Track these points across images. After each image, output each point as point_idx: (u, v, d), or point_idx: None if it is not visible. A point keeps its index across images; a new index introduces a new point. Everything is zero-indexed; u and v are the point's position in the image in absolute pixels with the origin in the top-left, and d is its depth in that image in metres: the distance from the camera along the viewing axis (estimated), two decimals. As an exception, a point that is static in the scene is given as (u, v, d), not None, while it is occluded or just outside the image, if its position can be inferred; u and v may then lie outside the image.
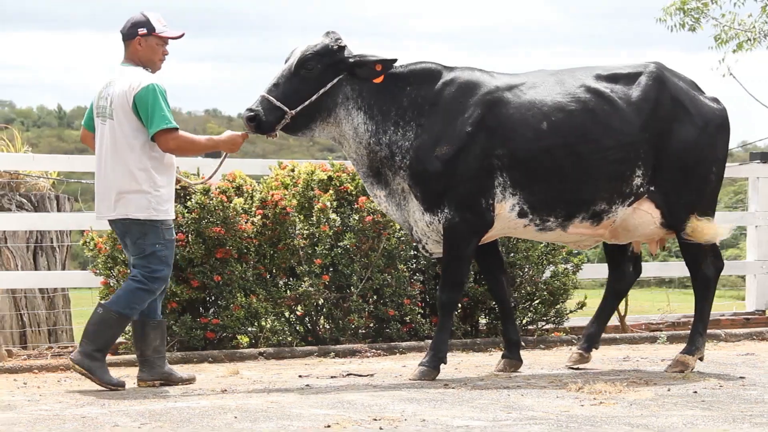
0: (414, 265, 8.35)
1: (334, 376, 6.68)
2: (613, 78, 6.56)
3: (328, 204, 7.97)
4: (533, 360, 7.36)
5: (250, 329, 7.88)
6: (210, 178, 6.85)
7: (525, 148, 6.35)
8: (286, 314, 8.03)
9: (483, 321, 8.56)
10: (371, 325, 8.18)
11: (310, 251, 7.93)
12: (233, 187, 7.95)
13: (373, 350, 7.84)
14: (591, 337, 6.95)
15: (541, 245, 8.43)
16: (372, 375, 6.69)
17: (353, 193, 8.15)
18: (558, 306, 8.56)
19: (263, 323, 7.89)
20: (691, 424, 4.89)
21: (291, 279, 8.06)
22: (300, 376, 6.68)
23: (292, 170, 8.29)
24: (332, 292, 8.07)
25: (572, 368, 6.86)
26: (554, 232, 6.55)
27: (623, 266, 7.05)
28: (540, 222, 6.48)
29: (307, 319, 8.13)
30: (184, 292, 7.65)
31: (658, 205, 6.58)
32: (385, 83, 6.33)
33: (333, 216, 7.99)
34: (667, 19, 13.52)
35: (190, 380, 6.32)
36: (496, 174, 6.34)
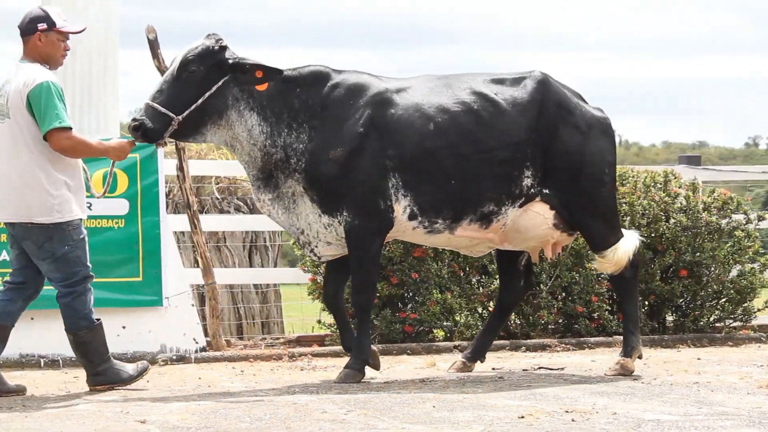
0: (601, 263, 8.15)
1: (526, 369, 6.56)
2: (498, 82, 6.19)
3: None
4: (722, 356, 7.06)
5: (445, 323, 7.86)
6: (106, 190, 6.13)
7: (412, 149, 5.92)
8: (479, 310, 7.97)
9: (670, 318, 8.28)
10: (560, 321, 8.02)
11: (501, 250, 7.84)
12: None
13: (563, 345, 7.68)
14: (477, 350, 6.47)
15: (727, 245, 8.11)
16: (562, 369, 6.54)
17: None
18: (745, 304, 8.20)
19: (458, 318, 7.86)
20: None
21: (483, 276, 7.99)
22: (493, 369, 6.59)
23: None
24: (523, 290, 7.94)
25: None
26: (443, 234, 6.07)
27: (513, 283, 6.50)
28: (428, 224, 6.01)
29: (499, 314, 8.03)
30: (384, 289, 7.68)
31: (553, 206, 6.17)
32: (275, 84, 5.87)
33: (523, 217, 7.86)
34: None
35: (18, 391, 5.66)
36: (388, 175, 5.90)
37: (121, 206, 7.12)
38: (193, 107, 5.70)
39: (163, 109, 5.67)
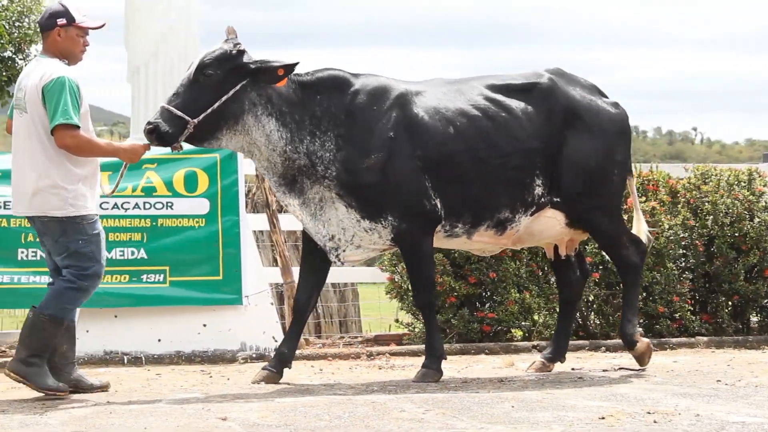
0: (683, 263, 8.03)
1: (606, 370, 6.49)
2: (507, 89, 6.16)
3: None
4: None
5: (523, 323, 7.81)
6: (114, 189, 6.06)
7: (437, 151, 5.90)
8: (558, 309, 7.89)
9: (754, 319, 8.13)
10: (641, 321, 7.91)
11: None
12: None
13: (644, 345, 7.57)
14: (556, 350, 6.42)
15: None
16: (643, 369, 6.45)
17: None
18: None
19: (536, 318, 7.81)
20: None
21: (562, 276, 7.91)
22: (573, 369, 6.53)
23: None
24: (602, 289, 7.87)
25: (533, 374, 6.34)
26: (460, 239, 6.08)
27: (569, 275, 6.49)
28: (449, 228, 5.99)
29: (577, 314, 7.97)
30: (462, 288, 7.67)
31: (562, 210, 6.18)
32: (293, 90, 5.82)
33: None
34: None
35: (103, 387, 5.68)
36: (423, 175, 5.88)
37: (202, 206, 7.21)
38: (209, 111, 5.64)
39: (178, 113, 5.61)
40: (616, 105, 6.35)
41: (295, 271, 7.83)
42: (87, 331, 7.02)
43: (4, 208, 6.82)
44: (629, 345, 6.32)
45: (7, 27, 7.38)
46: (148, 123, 5.66)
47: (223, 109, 5.68)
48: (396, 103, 5.92)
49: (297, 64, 5.75)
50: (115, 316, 7.06)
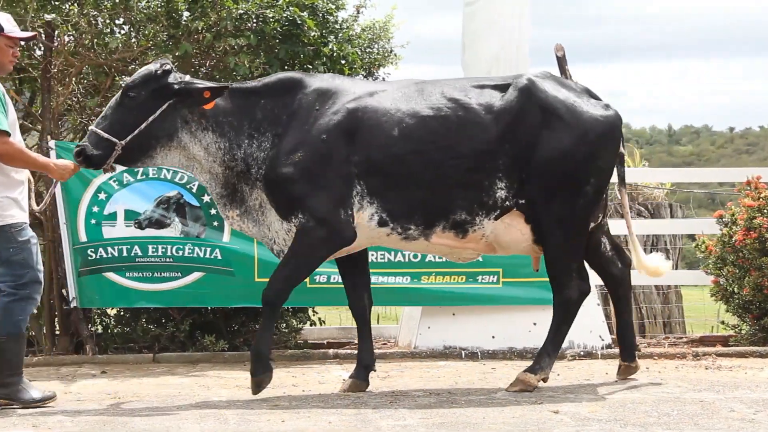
0: None
1: None
2: (478, 88, 5.50)
3: None
4: None
5: None
6: (43, 205, 5.66)
7: (379, 154, 5.33)
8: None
9: None
10: None
11: None
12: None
13: None
14: (629, 348, 5.92)
15: None
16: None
17: None
18: None
19: None
20: None
21: None
22: None
23: None
24: None
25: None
26: (418, 241, 5.47)
27: (611, 270, 5.86)
28: (402, 230, 5.41)
29: None
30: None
31: (528, 220, 5.45)
32: (234, 99, 5.38)
33: None
34: None
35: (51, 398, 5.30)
36: (353, 182, 5.32)
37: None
38: (136, 132, 5.32)
39: (105, 135, 5.32)
40: (606, 106, 5.56)
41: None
42: (428, 328, 7.25)
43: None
44: (530, 368, 5.57)
45: (359, 53, 7.76)
46: (77, 145, 5.45)
47: (153, 128, 5.36)
48: (341, 106, 5.44)
49: (225, 88, 5.43)
50: (453, 314, 7.23)
